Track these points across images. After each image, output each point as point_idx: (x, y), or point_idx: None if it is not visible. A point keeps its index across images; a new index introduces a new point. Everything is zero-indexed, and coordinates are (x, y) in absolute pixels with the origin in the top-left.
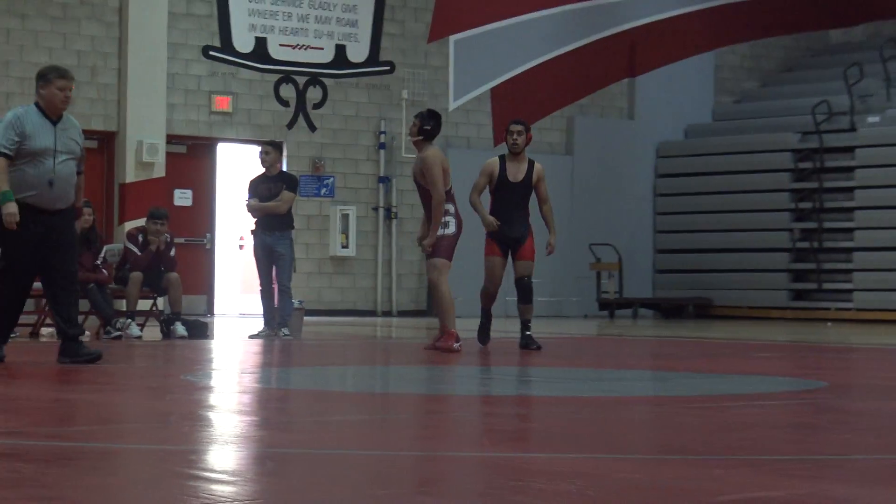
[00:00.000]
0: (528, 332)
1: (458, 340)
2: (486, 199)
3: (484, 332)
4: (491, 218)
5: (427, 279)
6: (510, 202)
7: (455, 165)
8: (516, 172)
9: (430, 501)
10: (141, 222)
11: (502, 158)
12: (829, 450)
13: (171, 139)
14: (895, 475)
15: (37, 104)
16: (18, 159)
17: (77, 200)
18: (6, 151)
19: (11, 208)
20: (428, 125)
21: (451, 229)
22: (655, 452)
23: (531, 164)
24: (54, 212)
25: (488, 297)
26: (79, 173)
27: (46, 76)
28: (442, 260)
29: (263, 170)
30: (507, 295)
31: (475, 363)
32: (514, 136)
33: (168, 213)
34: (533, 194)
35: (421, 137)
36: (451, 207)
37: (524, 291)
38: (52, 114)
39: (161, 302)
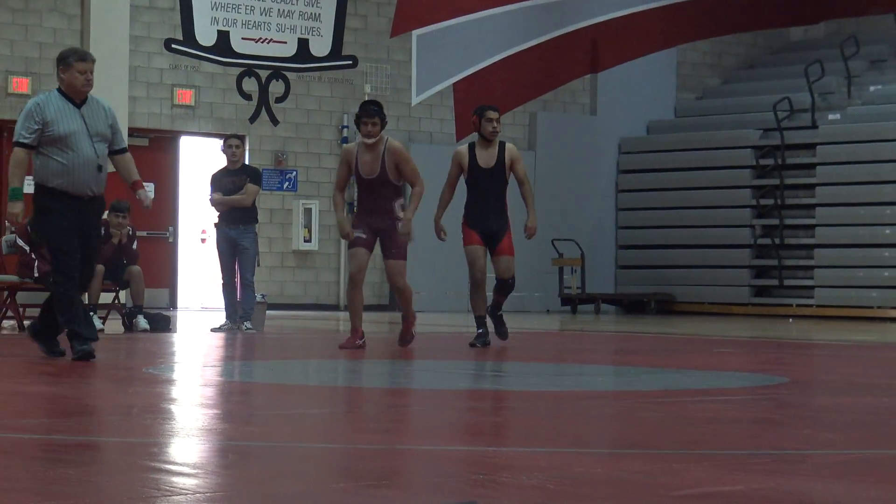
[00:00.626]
0: (500, 313)
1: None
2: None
3: (482, 339)
4: (441, 226)
5: (398, 284)
6: (485, 191)
7: (418, 160)
8: (488, 159)
9: (391, 494)
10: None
11: (471, 146)
12: (788, 444)
13: (132, 132)
14: (853, 470)
15: (59, 89)
16: (45, 146)
17: (133, 174)
18: (25, 141)
19: (16, 207)
20: (385, 118)
21: None
22: (615, 447)
23: (502, 147)
24: (86, 199)
25: (479, 291)
26: (125, 150)
27: (66, 59)
28: (405, 262)
29: (225, 163)
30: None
31: (437, 358)
32: (495, 123)
33: (130, 207)
34: (512, 182)
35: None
36: (403, 202)
37: (506, 289)
38: (75, 97)
39: (123, 295)
